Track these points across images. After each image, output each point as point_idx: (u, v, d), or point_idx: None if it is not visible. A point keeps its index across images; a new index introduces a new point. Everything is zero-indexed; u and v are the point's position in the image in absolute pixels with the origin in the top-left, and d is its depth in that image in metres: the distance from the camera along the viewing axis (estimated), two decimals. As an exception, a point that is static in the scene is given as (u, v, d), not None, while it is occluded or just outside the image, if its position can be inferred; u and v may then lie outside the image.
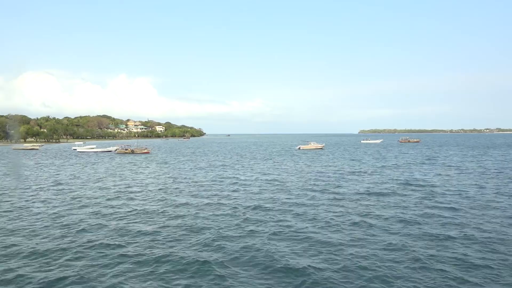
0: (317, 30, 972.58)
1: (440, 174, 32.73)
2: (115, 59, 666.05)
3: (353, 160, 51.56)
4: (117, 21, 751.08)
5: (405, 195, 22.27)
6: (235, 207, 19.08)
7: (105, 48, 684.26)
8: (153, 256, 11.67)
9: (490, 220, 15.86)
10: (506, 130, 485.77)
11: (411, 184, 26.52)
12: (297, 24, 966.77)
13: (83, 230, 14.91)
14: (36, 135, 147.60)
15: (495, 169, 36.82)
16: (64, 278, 10.04)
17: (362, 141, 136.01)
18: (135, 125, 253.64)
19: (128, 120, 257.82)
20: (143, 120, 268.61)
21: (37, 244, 13.03)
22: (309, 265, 10.79)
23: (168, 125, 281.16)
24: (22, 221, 16.51)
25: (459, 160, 49.35)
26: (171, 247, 12.63)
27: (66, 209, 18.98)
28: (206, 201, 21.04)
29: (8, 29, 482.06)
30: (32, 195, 23.57)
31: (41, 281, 9.89)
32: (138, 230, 14.83)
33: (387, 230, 14.51)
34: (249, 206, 19.29)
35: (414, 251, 11.94)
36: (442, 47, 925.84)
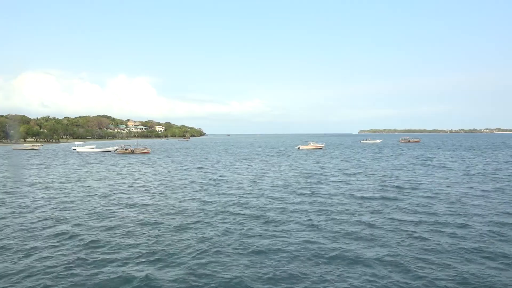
0: (317, 30, 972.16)
1: (434, 176, 32.84)
2: (114, 59, 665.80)
3: (349, 160, 51.70)
4: (117, 21, 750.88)
5: (395, 197, 22.37)
6: (230, 208, 19.24)
7: (105, 48, 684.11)
8: (139, 256, 11.81)
9: (479, 223, 16.00)
10: (506, 130, 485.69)
11: (402, 187, 26.56)
12: (297, 24, 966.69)
13: (75, 230, 15.04)
14: (36, 135, 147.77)
15: (485, 170, 36.94)
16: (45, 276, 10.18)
17: (361, 141, 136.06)
18: (135, 125, 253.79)
19: (128, 120, 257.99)
20: (143, 120, 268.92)
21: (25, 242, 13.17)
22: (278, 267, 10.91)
23: (168, 125, 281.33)
24: (11, 219, 16.67)
25: (454, 161, 49.45)
26: (160, 244, 12.78)
27: (59, 210, 19.11)
28: (203, 201, 21.21)
29: (8, 29, 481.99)
30: (26, 195, 23.69)
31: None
32: (132, 228, 14.98)
33: (370, 232, 14.64)
34: (245, 208, 19.46)
35: (390, 249, 12.08)
36: (442, 47, 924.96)
